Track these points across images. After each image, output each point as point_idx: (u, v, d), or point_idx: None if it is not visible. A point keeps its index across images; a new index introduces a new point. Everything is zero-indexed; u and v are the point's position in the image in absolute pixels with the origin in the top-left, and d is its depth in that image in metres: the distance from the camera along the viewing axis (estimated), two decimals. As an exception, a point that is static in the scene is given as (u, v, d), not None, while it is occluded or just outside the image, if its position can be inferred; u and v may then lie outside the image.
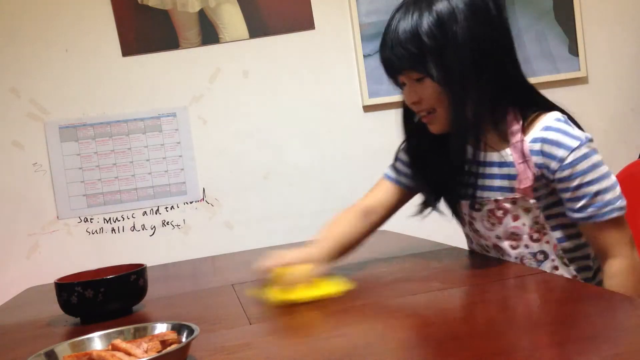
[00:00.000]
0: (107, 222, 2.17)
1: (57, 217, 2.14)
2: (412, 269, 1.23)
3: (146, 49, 2.17)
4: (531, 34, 2.33)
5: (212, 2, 2.17)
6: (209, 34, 2.19)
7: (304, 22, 2.23)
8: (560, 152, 1.06)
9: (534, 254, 1.12)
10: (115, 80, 2.16)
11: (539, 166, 1.07)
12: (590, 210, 1.05)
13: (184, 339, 0.79)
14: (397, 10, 1.12)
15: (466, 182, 1.15)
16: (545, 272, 1.02)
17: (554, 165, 1.06)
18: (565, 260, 1.11)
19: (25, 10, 2.12)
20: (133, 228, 2.18)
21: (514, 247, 1.14)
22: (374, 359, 0.71)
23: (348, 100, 2.27)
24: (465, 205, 1.18)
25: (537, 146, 1.07)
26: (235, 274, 1.45)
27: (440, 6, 1.07)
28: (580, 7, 2.34)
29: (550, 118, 1.12)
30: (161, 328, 0.82)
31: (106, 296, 1.06)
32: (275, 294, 1.03)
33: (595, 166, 1.07)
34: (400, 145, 1.30)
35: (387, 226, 1.95)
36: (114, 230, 2.17)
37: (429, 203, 1.24)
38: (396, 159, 1.31)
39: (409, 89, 1.14)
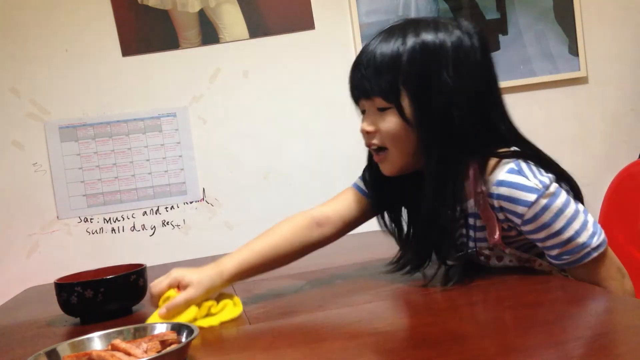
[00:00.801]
0: (107, 222, 2.16)
1: (57, 217, 2.14)
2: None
3: (146, 49, 2.17)
4: (531, 34, 2.33)
5: (212, 2, 2.17)
6: (209, 34, 2.19)
7: (304, 22, 2.23)
8: (518, 209, 0.95)
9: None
10: (115, 80, 2.16)
11: (503, 221, 0.98)
12: (566, 257, 0.96)
13: (183, 339, 0.79)
14: (381, 32, 1.02)
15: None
16: (545, 272, 1.02)
17: (517, 220, 0.96)
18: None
19: (25, 11, 2.12)
20: (133, 228, 2.18)
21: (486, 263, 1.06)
22: (374, 359, 0.71)
23: (348, 100, 2.26)
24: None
25: (495, 202, 0.97)
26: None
27: (429, 37, 0.97)
28: (580, 7, 2.34)
29: (502, 171, 0.98)
30: (161, 328, 0.82)
31: (106, 296, 1.06)
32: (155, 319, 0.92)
33: (559, 213, 0.95)
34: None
35: (387, 226, 1.94)
36: (114, 230, 2.17)
37: (414, 264, 1.08)
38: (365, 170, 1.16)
39: (369, 117, 1.04)
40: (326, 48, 2.24)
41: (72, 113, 2.15)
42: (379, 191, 1.11)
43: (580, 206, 0.99)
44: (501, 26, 2.33)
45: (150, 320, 0.92)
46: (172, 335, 0.79)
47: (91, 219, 2.16)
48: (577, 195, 1.08)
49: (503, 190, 0.96)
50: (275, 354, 0.78)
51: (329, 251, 1.49)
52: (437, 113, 0.97)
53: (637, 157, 2.38)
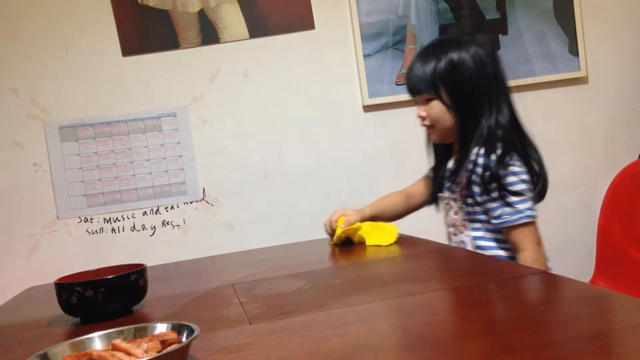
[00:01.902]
0: (107, 222, 2.17)
1: (57, 217, 2.14)
2: (412, 269, 1.23)
3: (146, 49, 2.17)
4: (531, 34, 2.33)
5: (212, 2, 2.17)
6: (209, 34, 2.19)
7: (304, 22, 2.23)
8: (478, 171, 1.41)
9: (458, 243, 1.49)
10: (115, 80, 2.16)
11: (473, 182, 1.42)
12: (505, 217, 1.37)
13: (184, 339, 0.78)
14: (420, 52, 1.51)
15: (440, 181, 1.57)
16: (545, 272, 1.02)
17: (474, 179, 1.42)
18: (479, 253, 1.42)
19: (25, 10, 2.12)
20: (133, 228, 2.18)
21: (454, 234, 1.52)
22: (374, 359, 0.71)
23: (348, 100, 2.27)
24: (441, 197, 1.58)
25: (470, 166, 1.42)
26: (235, 274, 1.45)
27: (454, 56, 1.44)
28: (580, 7, 2.34)
29: (481, 148, 1.42)
30: (161, 328, 0.82)
31: (106, 296, 1.05)
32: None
33: (516, 183, 1.38)
34: None
35: (387, 226, 1.94)
36: (114, 230, 2.17)
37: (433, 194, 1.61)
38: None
39: (422, 107, 1.50)
40: (326, 48, 2.24)
41: (72, 113, 2.15)
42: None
43: (530, 192, 1.39)
44: (501, 26, 2.33)
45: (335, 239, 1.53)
46: (173, 335, 0.79)
47: (91, 219, 2.16)
48: (542, 192, 1.43)
49: (479, 159, 1.42)
50: (275, 354, 0.78)
51: (329, 251, 1.50)
52: (463, 102, 1.44)
53: (637, 157, 2.38)
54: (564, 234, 2.39)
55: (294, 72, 2.24)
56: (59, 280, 1.10)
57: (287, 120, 2.24)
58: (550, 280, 0.98)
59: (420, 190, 1.69)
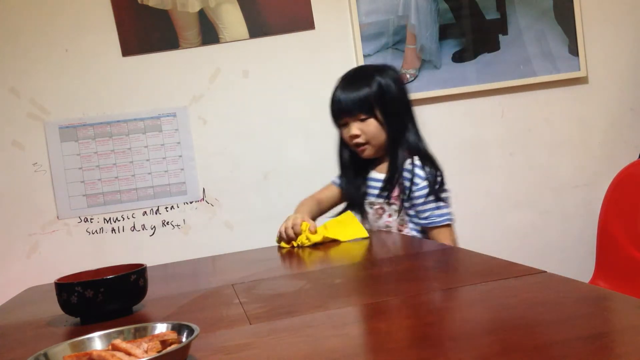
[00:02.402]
0: (107, 222, 2.17)
1: (57, 217, 2.14)
2: (412, 269, 1.23)
3: (146, 49, 2.17)
4: (531, 34, 2.33)
5: (212, 2, 2.17)
6: (209, 34, 2.19)
7: (304, 22, 2.23)
8: (420, 181, 1.65)
9: None
10: (115, 80, 2.16)
11: (404, 187, 1.67)
12: (432, 219, 1.64)
13: (184, 339, 0.78)
14: (346, 80, 1.73)
15: (363, 191, 1.76)
16: (546, 272, 1.02)
17: (421, 184, 1.65)
18: None
19: (25, 10, 2.12)
20: (133, 228, 2.18)
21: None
22: (374, 359, 0.71)
23: (348, 100, 2.26)
24: (367, 204, 1.75)
25: (407, 175, 1.67)
26: (235, 274, 1.45)
27: (381, 80, 1.69)
28: (580, 7, 2.34)
29: (415, 160, 1.67)
30: (161, 328, 0.82)
31: (106, 296, 1.05)
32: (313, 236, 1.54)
33: (442, 189, 1.66)
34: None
35: (387, 226, 1.93)
36: (114, 230, 2.17)
37: (352, 205, 1.77)
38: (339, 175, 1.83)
39: (355, 126, 1.68)
40: (326, 48, 2.24)
41: (72, 113, 2.15)
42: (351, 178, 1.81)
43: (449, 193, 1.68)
44: (501, 26, 2.33)
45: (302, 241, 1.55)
46: (173, 335, 0.79)
47: (91, 219, 2.16)
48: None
49: (413, 169, 1.67)
50: (275, 354, 0.78)
51: (329, 251, 1.50)
52: (392, 119, 1.69)
53: (637, 157, 2.38)
54: (564, 234, 2.39)
55: (294, 72, 2.23)
56: (59, 280, 1.10)
57: (287, 120, 2.24)
58: (550, 280, 0.98)
59: (329, 197, 1.85)
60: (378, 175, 1.74)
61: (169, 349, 0.76)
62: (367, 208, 1.75)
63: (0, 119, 2.12)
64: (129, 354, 0.74)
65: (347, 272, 1.28)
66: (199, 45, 2.19)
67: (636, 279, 2.06)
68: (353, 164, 1.77)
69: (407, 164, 1.67)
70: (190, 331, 0.78)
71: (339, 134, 1.77)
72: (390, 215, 1.71)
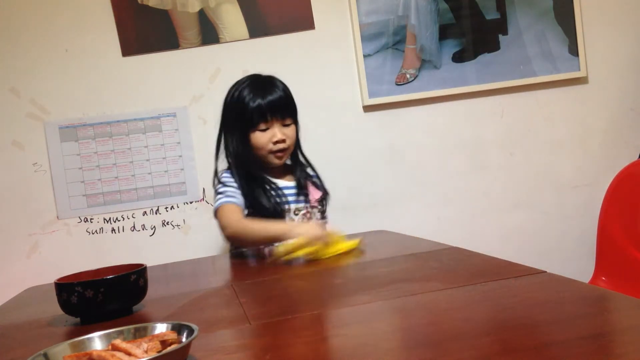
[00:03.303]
0: (107, 222, 2.17)
1: (57, 217, 2.14)
2: (412, 269, 1.23)
3: (146, 49, 2.17)
4: (531, 34, 2.33)
5: (212, 2, 2.17)
6: (209, 34, 2.19)
7: (304, 22, 2.23)
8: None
9: None
10: (115, 80, 2.16)
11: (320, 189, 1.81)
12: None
13: (184, 339, 0.79)
14: (276, 80, 1.79)
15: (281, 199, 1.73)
16: (545, 272, 1.03)
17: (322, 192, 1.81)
18: None
19: (25, 10, 2.12)
20: (133, 228, 2.18)
21: None
22: (374, 359, 0.71)
23: (348, 100, 2.27)
24: (291, 211, 1.73)
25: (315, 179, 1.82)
26: (235, 274, 1.45)
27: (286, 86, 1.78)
28: (580, 7, 2.34)
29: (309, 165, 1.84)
30: (161, 328, 0.82)
31: (106, 296, 1.06)
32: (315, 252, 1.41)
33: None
34: (223, 177, 1.76)
35: (388, 226, 1.95)
36: (114, 230, 2.17)
37: (269, 214, 1.68)
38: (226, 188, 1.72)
39: (280, 130, 1.71)
40: (326, 48, 2.24)
41: (72, 113, 2.15)
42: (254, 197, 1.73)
43: None
44: (501, 26, 2.33)
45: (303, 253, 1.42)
46: (173, 335, 0.79)
47: (91, 219, 2.16)
48: None
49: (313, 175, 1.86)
50: (275, 354, 0.78)
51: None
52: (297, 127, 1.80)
53: (637, 157, 2.38)
54: (564, 234, 2.39)
55: (294, 72, 2.23)
56: (59, 280, 1.10)
57: (287, 120, 2.23)
58: (550, 280, 0.98)
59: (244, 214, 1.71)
60: (284, 182, 1.76)
61: (169, 349, 0.76)
62: (292, 216, 1.72)
63: (0, 119, 2.12)
64: (129, 354, 0.74)
65: (346, 272, 1.28)
66: (199, 45, 2.19)
67: (636, 279, 2.06)
68: (251, 176, 1.72)
69: (310, 171, 1.82)
70: (190, 331, 0.78)
71: (237, 140, 1.72)
72: (310, 217, 1.74)
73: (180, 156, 2.19)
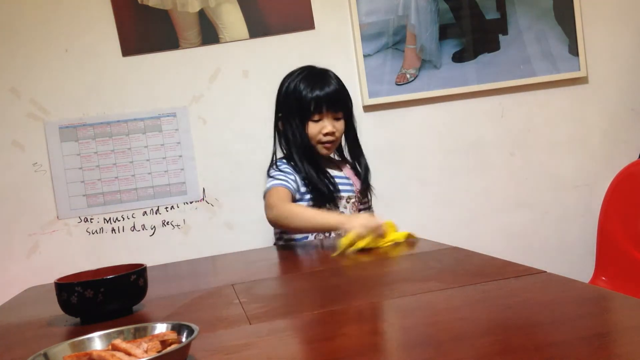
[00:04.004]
0: (107, 222, 2.17)
1: (57, 217, 2.14)
2: (412, 269, 1.23)
3: (146, 49, 2.17)
4: (531, 34, 2.33)
5: (212, 2, 2.17)
6: (209, 34, 2.19)
7: (304, 22, 2.23)
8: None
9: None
10: (115, 80, 2.16)
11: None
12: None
13: (184, 339, 0.78)
14: (332, 75, 1.82)
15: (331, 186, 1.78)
16: (546, 271, 1.02)
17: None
18: None
19: (25, 10, 2.12)
20: (133, 228, 2.18)
21: None
22: (374, 359, 0.71)
23: (348, 100, 2.26)
24: (344, 198, 1.79)
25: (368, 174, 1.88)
26: (235, 274, 1.45)
27: (342, 82, 1.83)
28: (580, 7, 2.34)
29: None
30: (161, 328, 0.82)
31: (106, 296, 1.05)
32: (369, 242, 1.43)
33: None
34: (278, 164, 1.82)
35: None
36: (114, 230, 2.17)
37: (327, 200, 1.74)
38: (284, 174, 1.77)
39: (330, 123, 1.76)
40: (326, 48, 2.24)
41: (72, 113, 2.15)
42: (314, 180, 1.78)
43: None
44: (501, 26, 2.33)
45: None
46: (173, 335, 0.79)
47: (91, 219, 2.16)
48: None
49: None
50: (275, 354, 0.78)
51: (328, 251, 1.49)
52: (351, 123, 1.86)
53: (637, 157, 2.38)
54: (564, 234, 2.39)
55: (294, 72, 2.23)
56: (58, 280, 1.10)
57: (287, 120, 2.23)
58: (550, 280, 0.98)
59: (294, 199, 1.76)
60: (336, 172, 1.82)
61: (169, 349, 0.76)
62: (345, 203, 1.78)
63: (0, 119, 2.12)
64: (129, 354, 0.74)
65: (347, 272, 1.28)
66: (199, 45, 2.19)
67: (636, 279, 2.06)
68: (310, 163, 1.77)
69: (362, 163, 1.86)
70: (190, 331, 0.78)
71: (296, 128, 1.77)
72: (363, 209, 1.85)
73: (180, 156, 2.19)
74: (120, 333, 0.82)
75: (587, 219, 2.38)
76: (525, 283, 0.98)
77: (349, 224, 1.48)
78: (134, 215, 2.18)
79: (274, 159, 1.84)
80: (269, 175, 1.79)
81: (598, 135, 2.41)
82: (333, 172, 1.81)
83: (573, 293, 0.90)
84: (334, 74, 1.83)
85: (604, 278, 2.21)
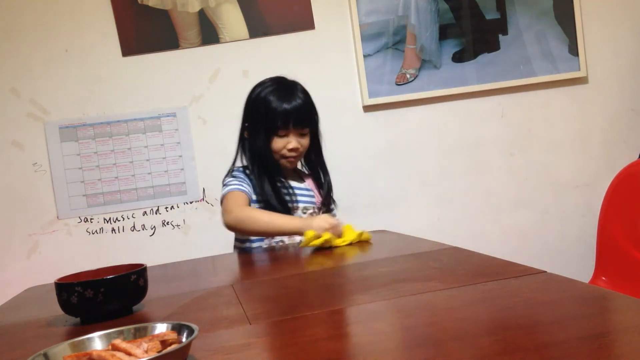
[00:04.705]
0: (107, 222, 2.17)
1: (57, 217, 2.14)
2: (412, 269, 1.23)
3: (146, 49, 2.17)
4: (531, 34, 2.33)
5: (212, 2, 2.17)
6: (209, 34, 2.19)
7: (304, 22, 2.23)
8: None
9: None
10: (115, 80, 2.16)
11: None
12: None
13: (184, 339, 0.78)
14: (299, 87, 1.79)
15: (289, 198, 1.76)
16: (546, 271, 1.02)
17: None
18: None
19: (25, 10, 2.12)
20: (133, 228, 2.18)
21: None
22: (374, 359, 0.71)
23: (348, 100, 2.27)
24: (300, 209, 1.75)
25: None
26: (235, 274, 1.45)
27: (308, 94, 1.80)
28: (580, 7, 2.34)
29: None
30: (161, 328, 0.82)
31: (106, 296, 1.05)
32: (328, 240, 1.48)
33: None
34: (234, 173, 1.78)
35: (387, 226, 1.95)
36: (114, 230, 2.17)
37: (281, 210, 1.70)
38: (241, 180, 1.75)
39: (295, 139, 1.73)
40: (326, 48, 2.24)
41: (72, 113, 2.15)
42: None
43: None
44: (501, 26, 2.33)
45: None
46: (173, 335, 0.79)
47: (91, 219, 2.16)
48: None
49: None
50: (275, 354, 0.78)
51: (328, 251, 1.50)
52: (315, 138, 1.82)
53: (637, 157, 2.38)
54: (564, 234, 2.39)
55: (294, 72, 2.22)
56: (59, 280, 1.10)
57: (287, 120, 2.23)
58: (550, 280, 0.98)
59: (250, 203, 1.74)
60: (297, 183, 1.80)
61: (169, 349, 0.76)
62: (300, 213, 1.75)
63: (0, 119, 2.12)
64: (129, 354, 0.74)
65: (347, 272, 1.28)
66: (199, 45, 2.19)
67: (636, 279, 2.06)
68: (268, 177, 1.75)
69: (321, 175, 1.84)
70: (190, 331, 0.78)
71: (261, 141, 1.74)
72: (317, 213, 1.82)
73: (180, 156, 2.19)
74: (120, 333, 0.82)
75: (587, 219, 2.38)
76: (525, 283, 0.98)
77: (308, 227, 1.52)
78: (134, 215, 2.18)
79: (232, 168, 1.82)
80: (223, 184, 1.76)
81: (598, 136, 2.41)
82: (294, 183, 1.79)
83: (573, 293, 0.90)
84: (303, 88, 1.80)
85: (604, 278, 2.21)
